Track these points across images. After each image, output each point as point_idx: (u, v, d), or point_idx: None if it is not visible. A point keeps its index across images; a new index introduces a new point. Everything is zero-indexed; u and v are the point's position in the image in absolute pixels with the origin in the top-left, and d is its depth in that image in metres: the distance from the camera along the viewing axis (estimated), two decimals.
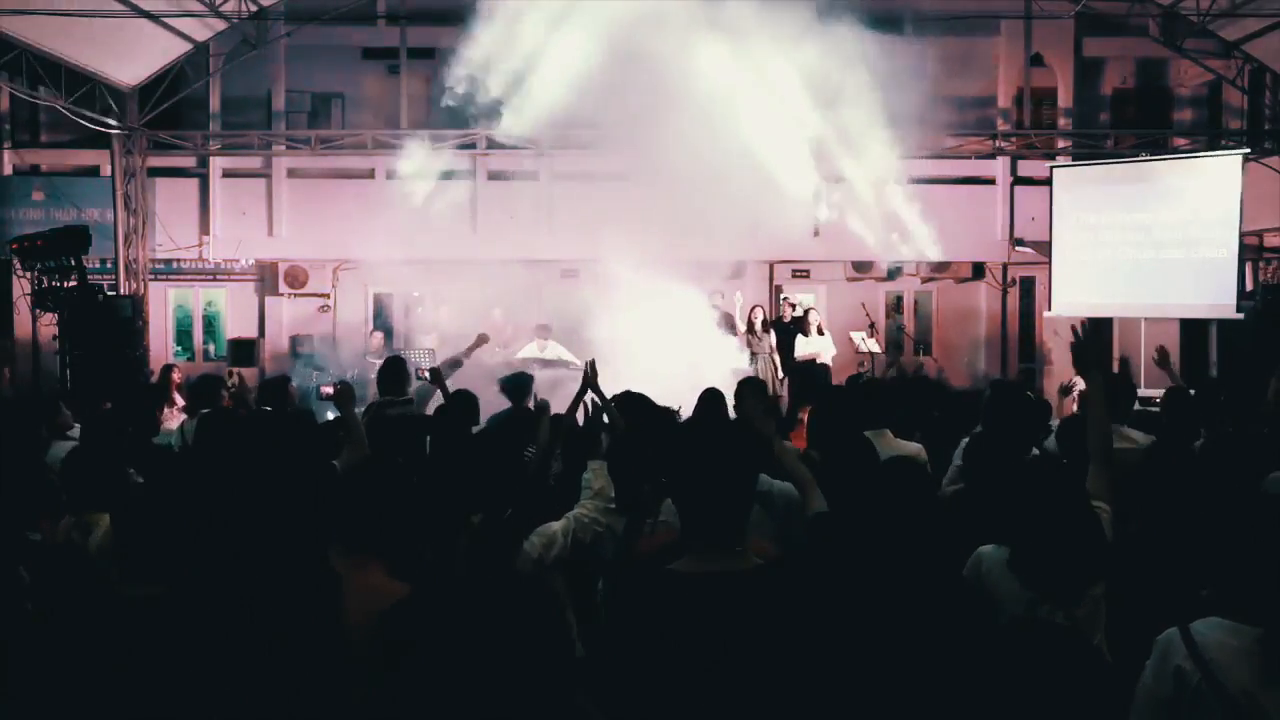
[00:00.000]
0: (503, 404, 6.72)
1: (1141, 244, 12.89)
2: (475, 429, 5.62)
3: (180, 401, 8.57)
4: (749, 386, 5.46)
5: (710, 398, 5.55)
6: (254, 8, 13.19)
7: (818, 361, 12.22)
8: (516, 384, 6.66)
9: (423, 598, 2.75)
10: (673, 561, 2.43)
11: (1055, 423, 5.56)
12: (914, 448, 4.74)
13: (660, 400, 5.48)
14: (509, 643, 2.40)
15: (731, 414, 5.35)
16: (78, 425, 5.73)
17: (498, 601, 2.57)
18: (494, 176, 14.85)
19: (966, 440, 4.39)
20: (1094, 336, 3.46)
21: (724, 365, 10.69)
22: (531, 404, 6.48)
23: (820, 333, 12.47)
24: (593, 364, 4.95)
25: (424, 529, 3.12)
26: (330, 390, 6.21)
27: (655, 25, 11.03)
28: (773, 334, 12.43)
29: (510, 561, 3.06)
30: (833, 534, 2.99)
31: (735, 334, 12.18)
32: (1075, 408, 8.17)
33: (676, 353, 10.27)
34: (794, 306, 12.93)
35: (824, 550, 2.80)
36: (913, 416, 5.47)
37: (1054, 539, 2.86)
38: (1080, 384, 7.07)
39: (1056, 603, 2.83)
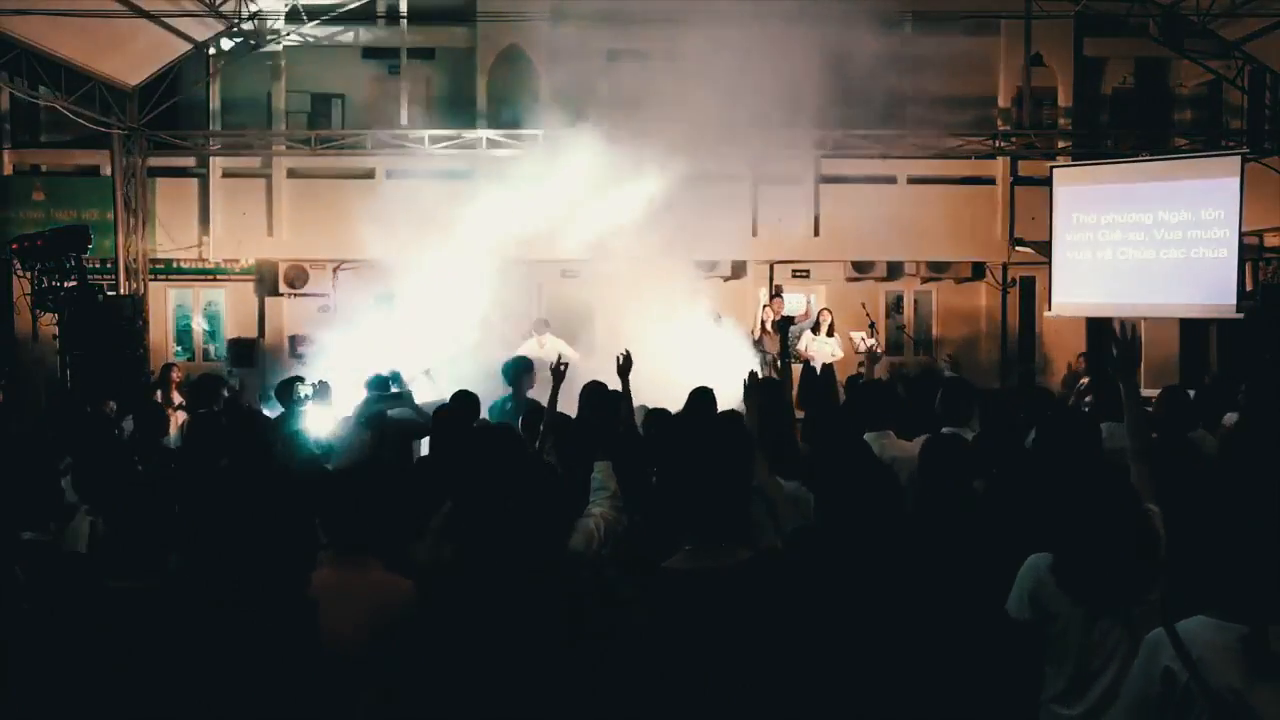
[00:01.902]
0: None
1: (1141, 244, 12.87)
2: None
3: (179, 401, 8.59)
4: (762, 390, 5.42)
5: (699, 396, 5.52)
6: (254, 8, 13.19)
7: (817, 361, 12.25)
8: (514, 369, 6.77)
9: (432, 591, 2.75)
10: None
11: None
12: (916, 448, 4.73)
13: (660, 401, 5.48)
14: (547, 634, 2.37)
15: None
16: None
17: (545, 595, 2.55)
18: (494, 176, 14.82)
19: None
20: (1134, 341, 3.39)
21: (725, 364, 10.68)
22: (527, 388, 6.59)
23: (830, 334, 12.49)
24: (628, 355, 4.83)
25: (418, 522, 3.11)
26: (309, 390, 6.27)
27: (654, 19, 11.05)
28: (779, 334, 12.47)
29: (560, 553, 3.01)
30: (814, 547, 2.98)
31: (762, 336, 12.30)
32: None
33: (678, 351, 10.26)
34: (782, 302, 12.97)
35: (803, 555, 2.77)
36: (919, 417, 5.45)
37: (1103, 547, 2.66)
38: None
39: (1115, 616, 2.64)
